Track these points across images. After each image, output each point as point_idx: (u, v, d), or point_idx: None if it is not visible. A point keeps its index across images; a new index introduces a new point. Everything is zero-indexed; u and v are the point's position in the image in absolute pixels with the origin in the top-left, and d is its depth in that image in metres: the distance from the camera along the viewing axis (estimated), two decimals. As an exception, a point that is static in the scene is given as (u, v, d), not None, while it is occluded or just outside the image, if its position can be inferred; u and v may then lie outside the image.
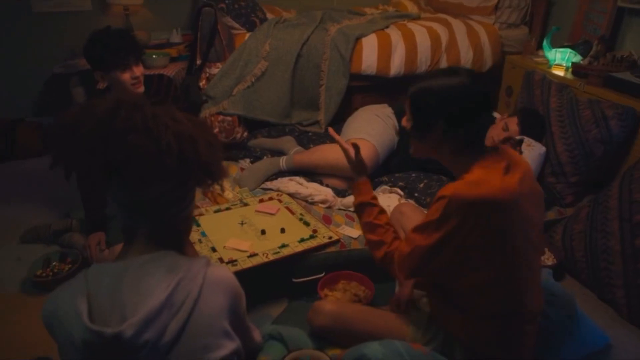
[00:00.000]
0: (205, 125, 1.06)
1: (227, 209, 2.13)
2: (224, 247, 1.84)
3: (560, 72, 2.59)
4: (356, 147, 1.50)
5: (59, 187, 2.36)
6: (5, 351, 1.64)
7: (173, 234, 1.02)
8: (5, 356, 1.62)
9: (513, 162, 1.26)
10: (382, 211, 1.44)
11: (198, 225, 1.98)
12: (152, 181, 0.94)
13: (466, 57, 2.97)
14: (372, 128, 2.31)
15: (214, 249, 1.83)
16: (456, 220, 1.17)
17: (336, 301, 1.52)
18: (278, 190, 2.26)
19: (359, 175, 1.51)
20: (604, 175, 2.19)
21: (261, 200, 2.18)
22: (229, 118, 2.62)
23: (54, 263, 2.05)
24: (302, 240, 1.89)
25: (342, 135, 2.39)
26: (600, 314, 1.89)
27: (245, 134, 2.74)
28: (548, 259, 2.06)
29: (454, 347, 1.37)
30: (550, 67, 2.65)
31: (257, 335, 1.30)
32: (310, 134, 2.75)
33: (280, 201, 2.18)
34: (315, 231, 1.95)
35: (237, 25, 2.71)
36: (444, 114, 1.22)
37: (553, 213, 2.20)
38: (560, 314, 1.61)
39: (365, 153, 2.20)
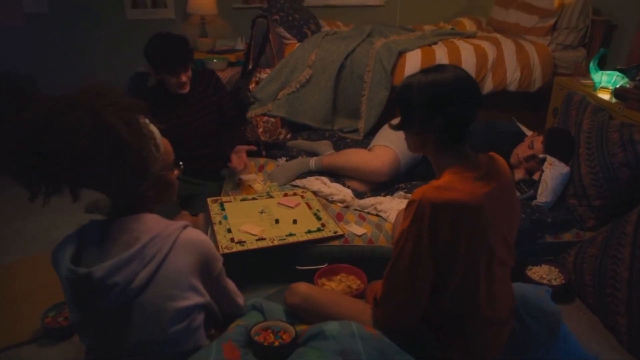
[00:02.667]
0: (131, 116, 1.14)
1: (253, 199, 2.34)
2: (238, 230, 2.05)
3: (605, 96, 2.52)
4: None
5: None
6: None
7: (143, 200, 1.20)
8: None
9: (491, 174, 1.31)
10: None
11: (222, 209, 2.22)
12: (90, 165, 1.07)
13: (513, 75, 2.96)
14: (397, 137, 2.41)
15: (229, 230, 2.05)
16: (425, 223, 1.23)
17: (310, 285, 1.65)
18: (304, 187, 2.45)
19: None
20: (630, 201, 2.11)
21: (285, 195, 2.38)
22: (273, 119, 2.85)
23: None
24: (309, 231, 2.05)
25: (373, 141, 2.53)
26: (600, 340, 1.84)
27: (289, 135, 2.96)
28: (556, 279, 2.03)
29: (415, 341, 1.44)
30: (595, 89, 2.59)
31: (240, 300, 1.48)
32: (348, 140, 2.90)
33: (302, 197, 2.35)
34: (323, 225, 2.10)
35: (288, 36, 2.95)
36: (420, 105, 1.27)
37: (571, 235, 2.15)
38: (541, 328, 1.62)
39: (386, 159, 2.33)
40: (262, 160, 2.76)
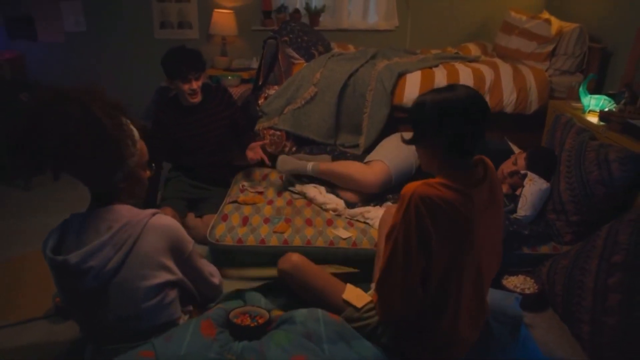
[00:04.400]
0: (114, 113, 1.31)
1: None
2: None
3: (593, 118, 2.62)
4: None
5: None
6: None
7: (116, 192, 1.37)
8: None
9: (484, 184, 1.39)
10: None
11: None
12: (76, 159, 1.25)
13: (509, 98, 3.09)
14: (391, 152, 2.59)
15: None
16: (413, 216, 1.31)
17: (302, 256, 1.75)
18: (301, 193, 2.63)
19: None
20: (607, 218, 2.20)
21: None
22: (279, 132, 3.06)
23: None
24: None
25: (369, 156, 2.70)
26: (566, 347, 1.93)
27: (294, 148, 3.15)
28: (529, 288, 2.13)
29: (384, 333, 1.56)
30: (584, 112, 2.69)
31: (215, 280, 1.64)
32: (348, 154, 3.07)
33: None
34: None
35: (297, 56, 3.18)
36: (432, 120, 1.35)
37: (548, 248, 2.25)
38: (503, 331, 1.73)
39: (380, 173, 2.49)
40: (266, 170, 2.96)
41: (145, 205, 2.57)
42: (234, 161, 2.89)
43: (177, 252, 1.43)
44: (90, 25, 4.13)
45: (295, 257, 1.73)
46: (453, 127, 1.34)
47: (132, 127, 1.38)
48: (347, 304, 1.62)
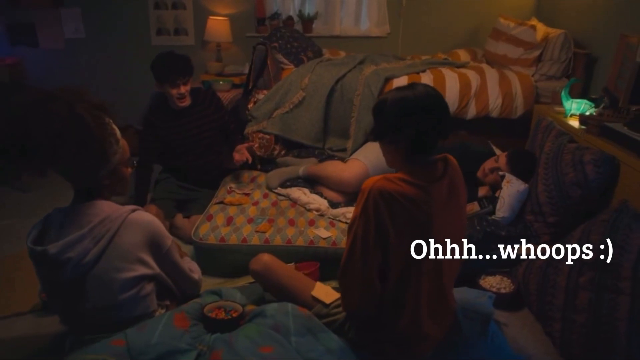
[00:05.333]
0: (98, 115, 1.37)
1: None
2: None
3: (575, 122, 2.66)
4: None
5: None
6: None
7: (100, 188, 1.44)
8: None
9: (444, 179, 1.43)
10: None
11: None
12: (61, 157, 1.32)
13: (495, 103, 3.14)
14: (372, 152, 2.65)
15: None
16: (371, 209, 1.34)
17: (273, 257, 1.79)
18: (286, 195, 2.69)
19: None
20: (584, 221, 2.23)
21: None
22: (267, 136, 3.12)
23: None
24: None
25: (351, 156, 2.77)
26: (538, 345, 1.95)
27: (283, 151, 3.22)
28: (505, 288, 2.17)
29: (350, 328, 1.61)
30: (566, 116, 2.74)
31: (195, 275, 1.70)
32: (335, 158, 3.12)
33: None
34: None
35: (286, 61, 3.25)
36: (392, 117, 1.40)
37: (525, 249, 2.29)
38: (473, 327, 1.77)
39: (357, 171, 2.55)
40: (255, 173, 3.02)
41: (136, 205, 2.65)
42: (224, 164, 2.96)
43: (155, 247, 1.48)
44: (89, 32, 4.24)
45: (266, 257, 1.78)
46: (412, 124, 1.38)
47: (114, 126, 1.44)
48: (316, 300, 1.66)
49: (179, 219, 2.69)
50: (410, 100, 1.39)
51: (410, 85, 1.44)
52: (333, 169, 2.62)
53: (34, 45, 4.21)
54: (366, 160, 2.58)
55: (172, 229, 2.68)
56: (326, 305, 1.65)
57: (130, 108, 4.29)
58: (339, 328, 1.62)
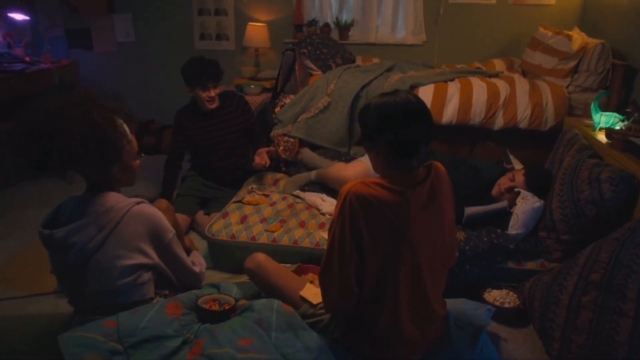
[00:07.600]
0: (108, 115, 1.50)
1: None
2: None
3: (602, 136, 2.55)
4: None
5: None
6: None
7: (111, 182, 1.57)
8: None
9: (417, 193, 1.43)
10: None
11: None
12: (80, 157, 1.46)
13: (523, 114, 3.05)
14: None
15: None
16: (347, 213, 1.37)
17: (267, 256, 1.84)
18: (302, 199, 2.75)
19: None
20: (597, 238, 2.14)
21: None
22: (292, 140, 3.20)
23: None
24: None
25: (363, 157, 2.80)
26: (536, 363, 1.90)
27: (307, 155, 3.28)
28: (510, 302, 2.12)
29: (335, 328, 1.64)
30: (594, 129, 2.63)
31: (196, 268, 1.80)
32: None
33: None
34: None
35: (314, 67, 3.32)
36: (373, 122, 1.43)
37: (535, 264, 2.22)
38: (463, 337, 1.75)
39: (356, 170, 2.60)
40: (278, 175, 3.10)
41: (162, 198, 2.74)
42: (249, 165, 3.06)
43: (156, 239, 1.59)
44: (139, 36, 4.51)
45: (260, 257, 1.84)
46: (392, 130, 1.40)
47: (125, 127, 1.57)
48: (304, 300, 1.71)
49: (200, 215, 2.82)
50: (390, 106, 1.41)
51: (393, 92, 1.46)
52: (335, 169, 2.68)
53: (89, 48, 4.53)
54: (367, 160, 2.59)
55: (194, 225, 2.81)
56: (313, 306, 1.69)
57: (175, 107, 4.53)
58: (324, 329, 1.66)
